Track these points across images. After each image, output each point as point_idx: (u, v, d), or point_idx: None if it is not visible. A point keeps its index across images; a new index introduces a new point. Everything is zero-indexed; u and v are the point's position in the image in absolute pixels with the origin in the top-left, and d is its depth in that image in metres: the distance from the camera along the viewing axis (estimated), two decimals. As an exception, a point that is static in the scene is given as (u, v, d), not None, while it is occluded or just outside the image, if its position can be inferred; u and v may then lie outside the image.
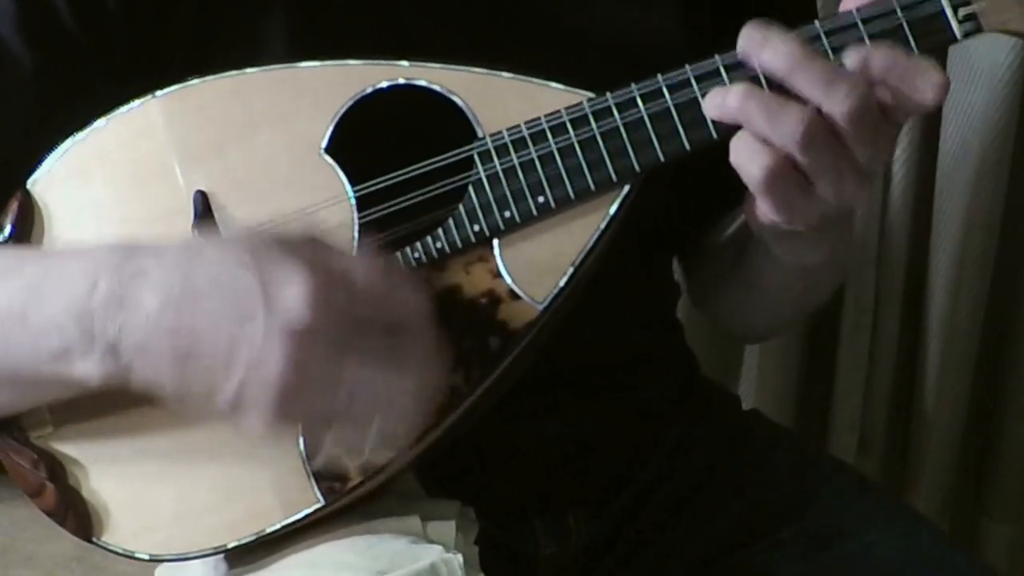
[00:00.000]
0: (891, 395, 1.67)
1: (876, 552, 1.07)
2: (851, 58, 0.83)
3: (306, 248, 0.78)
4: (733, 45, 0.84)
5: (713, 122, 0.85)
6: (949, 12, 0.84)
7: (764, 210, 0.85)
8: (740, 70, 0.84)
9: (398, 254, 0.87)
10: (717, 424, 1.17)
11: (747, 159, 0.83)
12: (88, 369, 0.81)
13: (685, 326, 1.22)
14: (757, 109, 0.82)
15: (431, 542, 0.87)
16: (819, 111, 0.81)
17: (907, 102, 0.83)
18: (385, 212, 0.87)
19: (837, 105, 0.81)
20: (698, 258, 1.17)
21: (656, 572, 1.11)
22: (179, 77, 0.89)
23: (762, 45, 0.83)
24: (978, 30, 0.85)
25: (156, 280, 0.79)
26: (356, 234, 0.87)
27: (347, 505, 0.88)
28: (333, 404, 0.78)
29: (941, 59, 1.39)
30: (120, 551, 0.90)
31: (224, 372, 0.77)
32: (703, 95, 0.85)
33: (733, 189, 0.87)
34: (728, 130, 0.85)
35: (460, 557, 0.85)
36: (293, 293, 0.76)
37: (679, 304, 1.22)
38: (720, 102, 0.84)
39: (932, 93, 0.83)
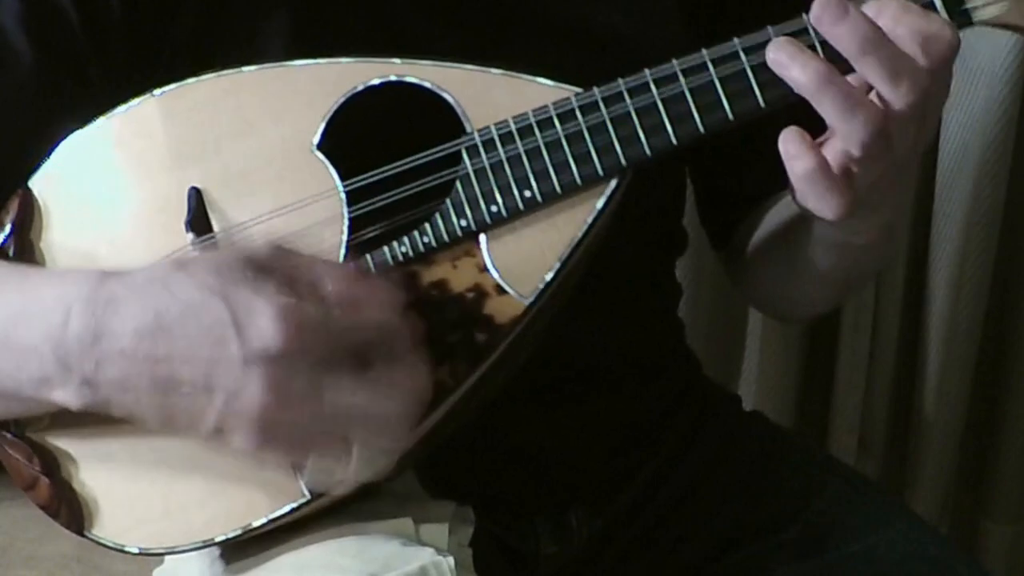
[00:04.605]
0: (891, 395, 1.66)
1: (877, 553, 1.07)
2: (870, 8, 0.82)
3: (274, 264, 0.79)
4: (726, 39, 0.85)
5: (701, 119, 0.85)
6: (938, 2, 0.83)
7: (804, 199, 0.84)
8: (729, 63, 0.84)
9: (385, 249, 0.87)
10: (718, 424, 1.17)
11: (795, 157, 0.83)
12: (66, 398, 0.82)
13: (685, 326, 1.22)
14: (832, 99, 0.81)
15: (423, 544, 0.87)
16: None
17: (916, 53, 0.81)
18: (374, 207, 0.88)
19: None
20: (739, 241, 1.15)
21: (657, 571, 1.11)
22: (179, 77, 0.90)
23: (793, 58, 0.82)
24: (969, 22, 0.84)
25: (128, 310, 0.79)
26: (346, 228, 0.87)
27: (335, 501, 0.88)
28: (315, 425, 0.79)
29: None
30: (111, 544, 0.90)
31: (205, 400, 0.78)
32: (690, 89, 0.85)
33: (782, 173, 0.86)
34: (717, 128, 0.85)
35: (451, 559, 0.85)
36: (264, 320, 0.77)
37: (680, 304, 1.21)
38: (795, 69, 0.81)
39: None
